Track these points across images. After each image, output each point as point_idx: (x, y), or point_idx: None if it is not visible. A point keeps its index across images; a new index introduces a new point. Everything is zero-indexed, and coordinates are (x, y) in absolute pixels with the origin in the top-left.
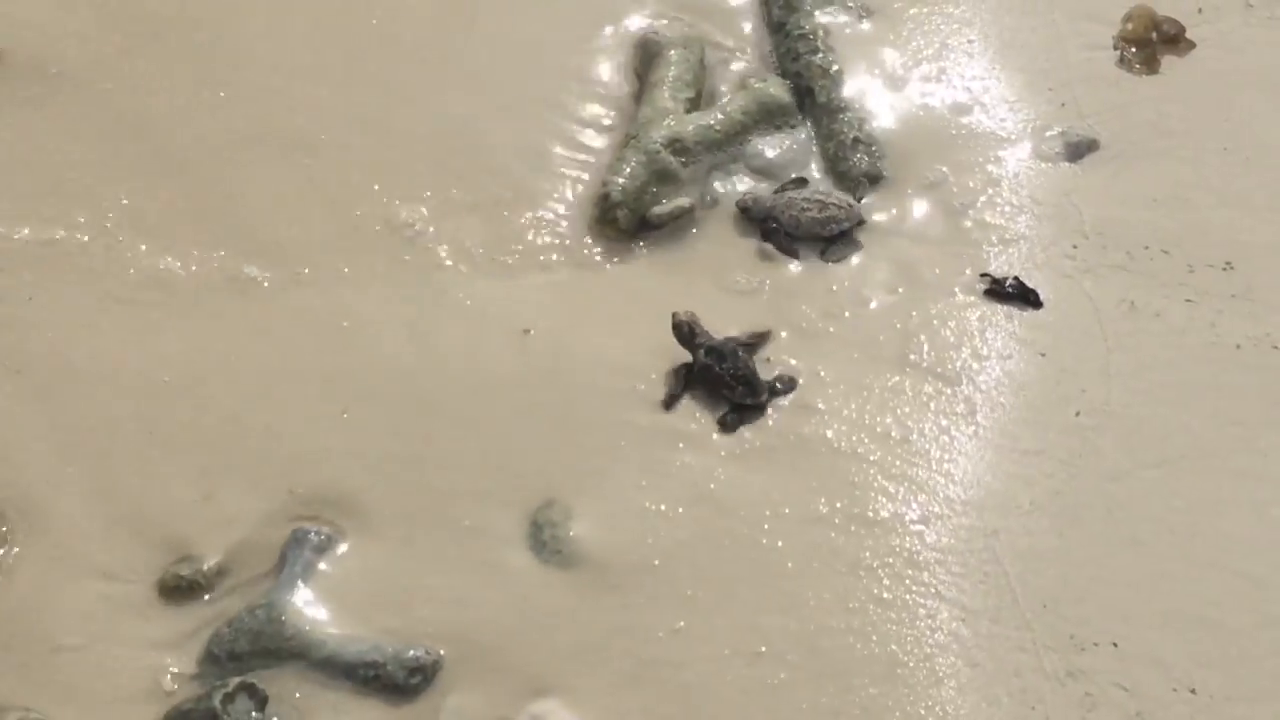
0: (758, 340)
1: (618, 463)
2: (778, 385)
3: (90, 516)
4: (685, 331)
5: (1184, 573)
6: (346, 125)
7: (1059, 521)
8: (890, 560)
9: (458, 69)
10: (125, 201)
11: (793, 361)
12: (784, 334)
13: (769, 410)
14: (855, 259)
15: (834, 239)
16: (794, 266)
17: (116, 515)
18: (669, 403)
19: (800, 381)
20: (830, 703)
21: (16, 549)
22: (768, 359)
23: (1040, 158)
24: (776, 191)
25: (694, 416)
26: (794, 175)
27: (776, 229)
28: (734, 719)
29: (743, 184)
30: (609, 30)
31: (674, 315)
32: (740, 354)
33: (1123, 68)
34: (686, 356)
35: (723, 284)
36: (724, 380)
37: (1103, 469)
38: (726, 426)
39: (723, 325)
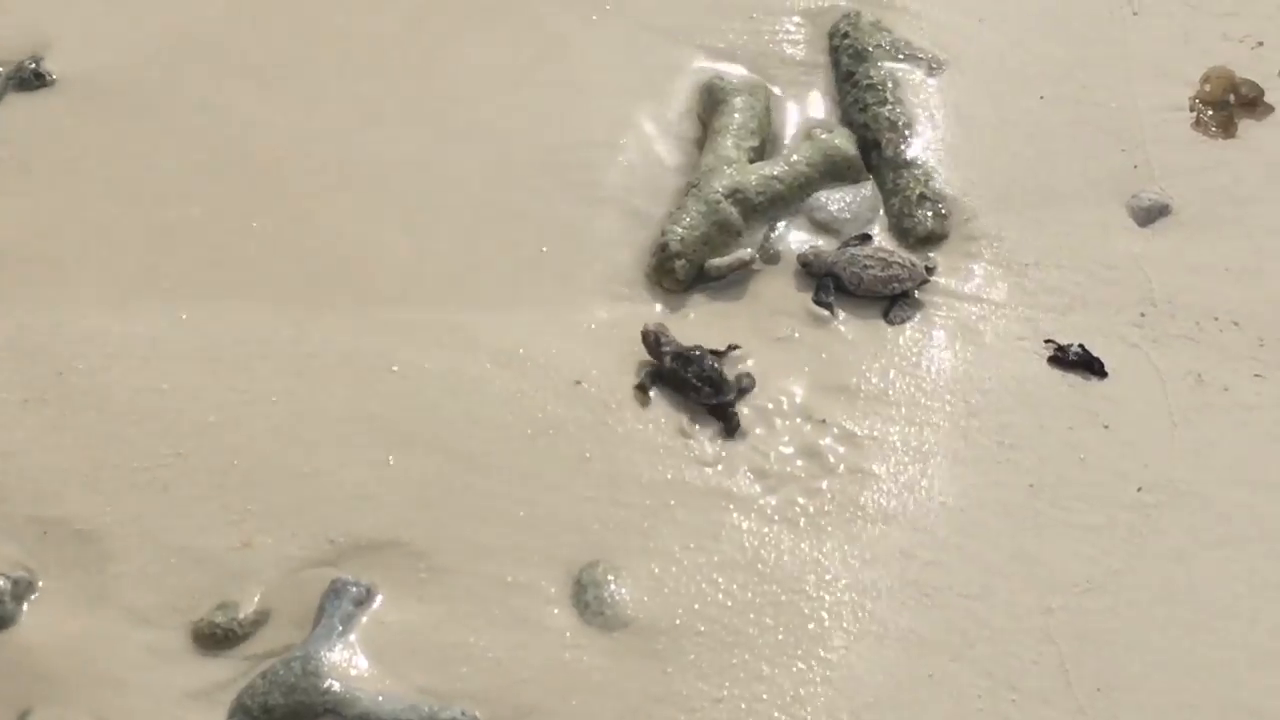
0: (726, 351)
1: (665, 523)
2: (743, 383)
3: (126, 557)
4: (652, 340)
5: (1245, 660)
6: (396, 167)
7: (1117, 601)
8: (942, 635)
9: (516, 111)
10: (175, 236)
11: (848, 424)
12: (841, 396)
13: (825, 485)
14: (915, 319)
15: (896, 298)
16: (849, 324)
17: (153, 557)
18: (643, 390)
19: (755, 385)
20: None
21: (43, 582)
22: (823, 420)
23: (1109, 221)
24: (840, 247)
25: (745, 477)
26: (856, 233)
27: (825, 284)
28: None
29: (804, 237)
30: (672, 75)
31: (643, 326)
32: (706, 358)
33: (1198, 130)
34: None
35: (779, 339)
36: (690, 383)
37: (1164, 548)
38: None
39: (778, 379)
